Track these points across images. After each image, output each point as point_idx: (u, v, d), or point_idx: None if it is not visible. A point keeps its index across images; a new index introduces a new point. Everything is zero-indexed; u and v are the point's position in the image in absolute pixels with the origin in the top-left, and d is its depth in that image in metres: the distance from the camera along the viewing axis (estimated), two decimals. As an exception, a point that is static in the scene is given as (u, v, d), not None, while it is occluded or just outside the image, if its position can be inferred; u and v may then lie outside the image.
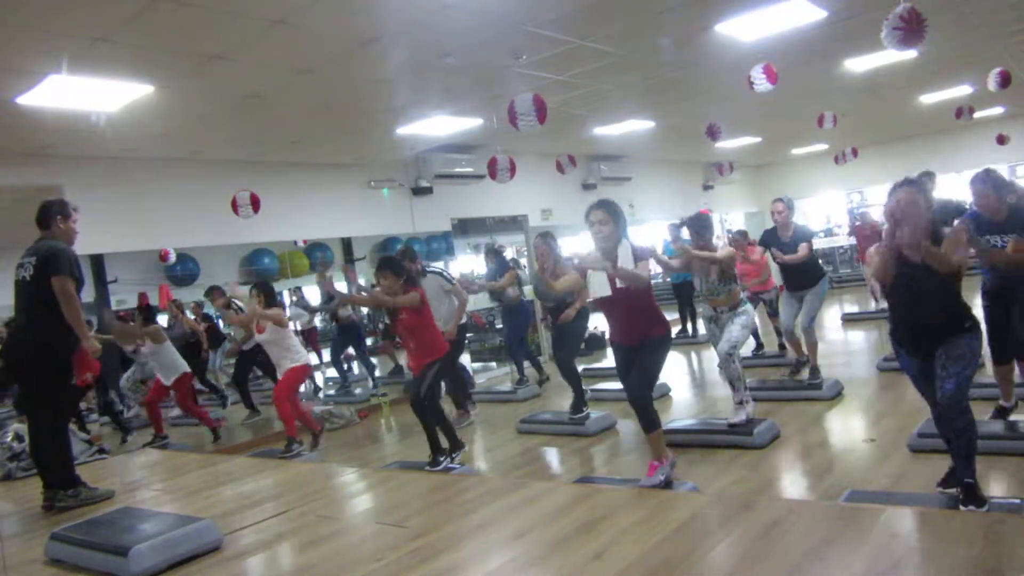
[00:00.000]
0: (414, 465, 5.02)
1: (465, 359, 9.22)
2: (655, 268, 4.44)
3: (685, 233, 6.26)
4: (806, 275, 5.87)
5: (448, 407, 6.43)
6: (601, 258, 3.66)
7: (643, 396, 3.85)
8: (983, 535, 2.36)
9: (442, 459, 4.90)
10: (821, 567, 2.30)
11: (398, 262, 5.12)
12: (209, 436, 6.88)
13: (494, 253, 7.69)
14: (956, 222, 3.10)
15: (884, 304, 3.63)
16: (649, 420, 3.82)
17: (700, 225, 5.10)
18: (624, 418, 5.63)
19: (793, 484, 4.08)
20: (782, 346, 7.55)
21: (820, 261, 6.05)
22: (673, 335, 4.40)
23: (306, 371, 6.16)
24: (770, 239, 6.06)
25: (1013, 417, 4.18)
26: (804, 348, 6.09)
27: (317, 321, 10.27)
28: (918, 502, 3.21)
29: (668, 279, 10.43)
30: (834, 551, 2.38)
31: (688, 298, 9.61)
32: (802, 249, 5.76)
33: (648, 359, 3.87)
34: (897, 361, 3.32)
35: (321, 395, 9.36)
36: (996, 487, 3.59)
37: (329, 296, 9.01)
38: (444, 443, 4.98)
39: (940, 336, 3.11)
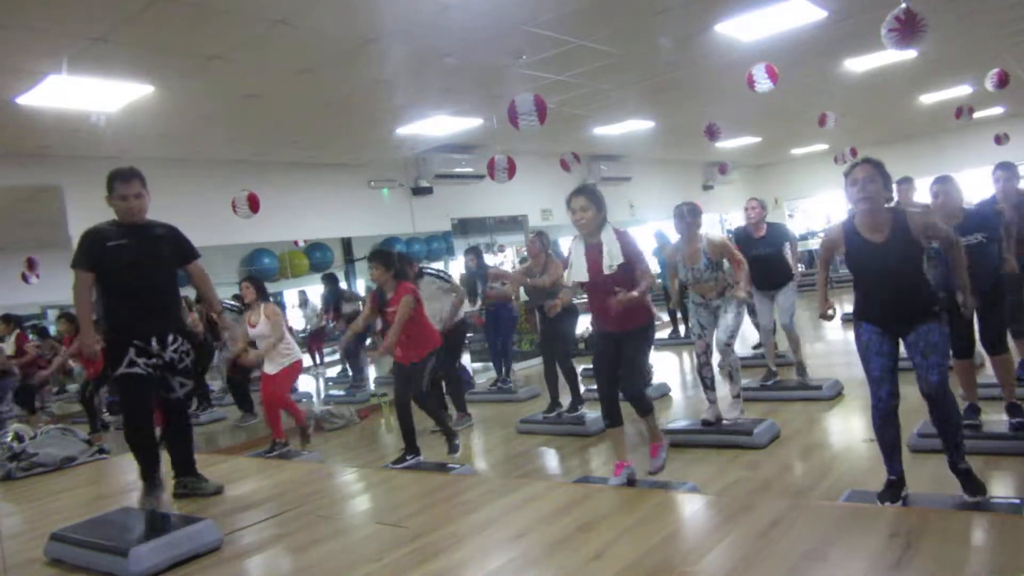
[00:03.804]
0: (414, 465, 5.02)
1: (465, 359, 9.22)
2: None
3: (671, 237, 6.32)
4: (776, 274, 5.93)
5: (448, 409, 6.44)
6: (621, 301, 3.55)
7: (638, 391, 3.84)
8: (983, 535, 2.36)
9: (409, 457, 4.97)
10: (821, 567, 2.30)
11: (389, 254, 5.14)
12: (202, 438, 6.91)
13: (475, 254, 7.64)
14: (917, 211, 3.17)
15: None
16: (644, 406, 3.85)
17: (692, 210, 5.04)
18: (624, 418, 5.62)
19: (793, 484, 4.07)
20: (758, 345, 7.62)
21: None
22: (664, 336, 4.42)
23: (299, 368, 6.14)
24: (742, 238, 6.07)
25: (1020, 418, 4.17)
26: (789, 349, 6.14)
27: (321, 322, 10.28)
28: (918, 502, 3.22)
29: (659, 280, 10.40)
30: (834, 551, 2.38)
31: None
32: (789, 252, 5.89)
33: (634, 352, 3.80)
34: (856, 336, 3.24)
35: (321, 395, 9.38)
36: (996, 487, 3.59)
37: (336, 302, 9.03)
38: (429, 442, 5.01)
39: (910, 316, 3.10)
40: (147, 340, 3.65)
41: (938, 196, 3.96)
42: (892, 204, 3.19)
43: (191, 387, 3.94)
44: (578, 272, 3.78)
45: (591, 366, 7.49)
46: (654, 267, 6.21)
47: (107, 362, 3.83)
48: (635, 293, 3.60)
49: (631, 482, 3.81)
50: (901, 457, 3.23)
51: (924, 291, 3.12)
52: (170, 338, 3.72)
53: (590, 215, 3.72)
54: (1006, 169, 4.66)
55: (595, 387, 6.81)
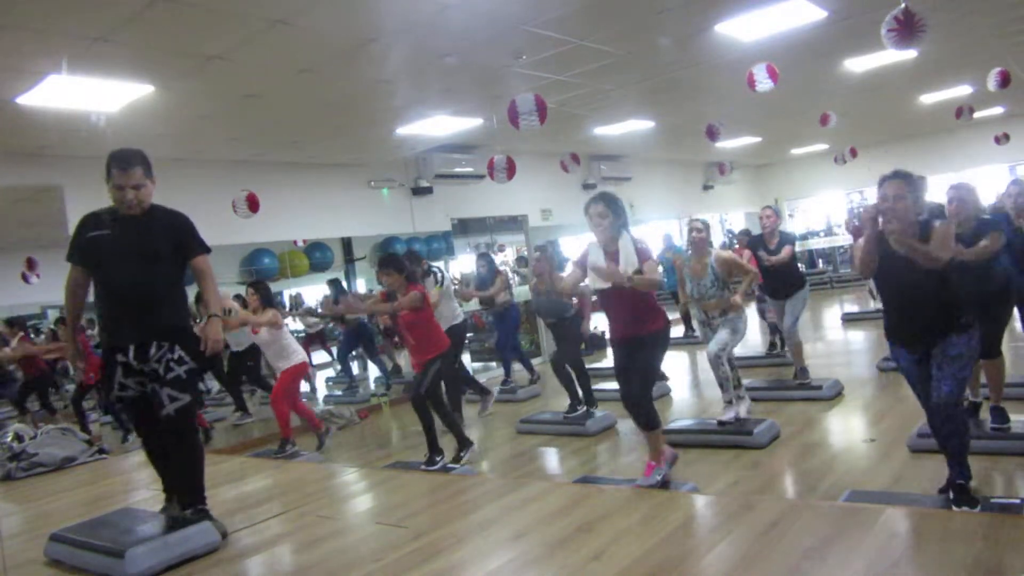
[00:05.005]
0: (414, 465, 5.02)
1: (465, 359, 9.23)
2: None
3: (676, 239, 6.37)
4: (788, 282, 5.96)
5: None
6: (620, 273, 3.59)
7: (643, 396, 3.81)
8: (982, 535, 2.36)
9: (438, 459, 4.92)
10: (821, 567, 2.30)
11: (399, 259, 5.15)
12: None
13: (485, 258, 7.70)
14: (938, 223, 3.13)
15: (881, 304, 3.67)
16: (647, 419, 3.79)
17: (704, 226, 5.12)
18: (624, 418, 5.62)
19: (793, 484, 4.08)
20: (772, 345, 7.64)
21: (820, 261, 6.12)
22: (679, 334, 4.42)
23: (303, 370, 6.14)
24: (757, 245, 6.13)
25: (1014, 417, 4.18)
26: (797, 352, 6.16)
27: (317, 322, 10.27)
28: (918, 502, 3.22)
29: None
30: (834, 551, 2.38)
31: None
32: (785, 251, 5.87)
33: (647, 358, 3.83)
34: (893, 360, 3.33)
35: (321, 396, 9.37)
36: (996, 487, 3.59)
37: (335, 300, 9.02)
38: (446, 442, 4.99)
39: (936, 330, 3.09)
40: (125, 351, 3.15)
41: (952, 202, 3.96)
42: (921, 216, 3.18)
43: (185, 403, 3.18)
44: (598, 280, 3.79)
45: (591, 366, 7.54)
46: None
47: (102, 380, 3.40)
48: (638, 275, 3.59)
49: (665, 484, 3.77)
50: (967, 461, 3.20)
51: (948, 304, 3.09)
52: (152, 348, 3.14)
53: (608, 222, 3.78)
54: (1019, 185, 4.67)
55: (597, 388, 6.88)
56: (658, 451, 3.86)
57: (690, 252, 5.14)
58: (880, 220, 3.07)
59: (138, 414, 3.31)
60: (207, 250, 3.33)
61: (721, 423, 4.90)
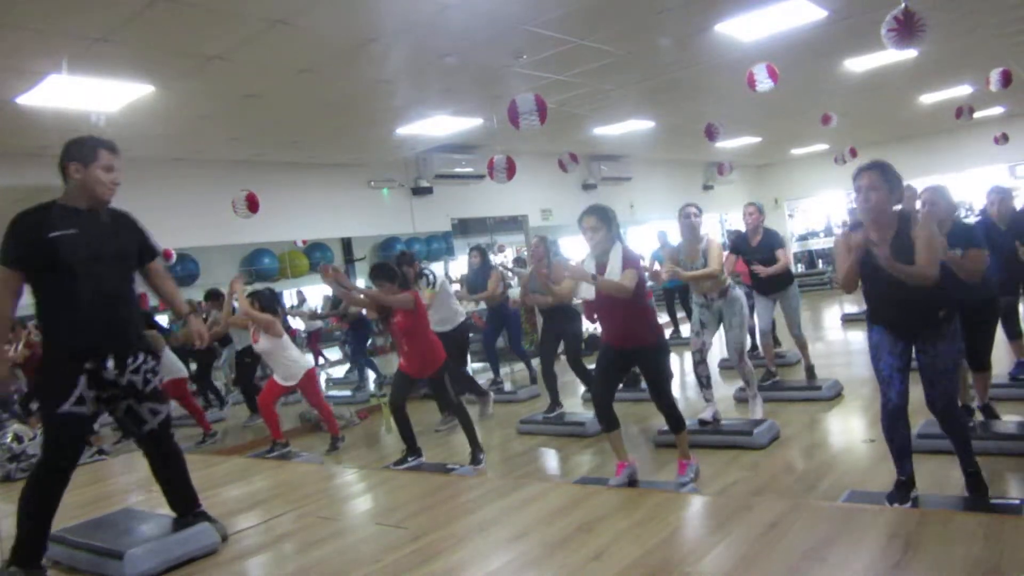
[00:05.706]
0: (413, 465, 5.02)
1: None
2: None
3: (671, 238, 6.37)
4: (775, 278, 5.93)
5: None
6: (584, 271, 3.75)
7: (669, 403, 4.00)
8: (983, 535, 2.36)
9: (482, 455, 5.05)
10: (821, 567, 2.29)
11: (390, 267, 5.11)
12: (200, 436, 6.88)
13: (480, 252, 7.63)
14: (922, 233, 3.06)
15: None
16: (676, 421, 4.02)
17: (698, 211, 5.14)
18: (623, 418, 5.62)
19: (793, 484, 4.07)
20: (754, 347, 7.60)
21: (820, 261, 6.11)
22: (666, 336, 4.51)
23: (314, 374, 6.29)
24: (740, 244, 6.10)
25: (1017, 418, 4.19)
26: (798, 353, 6.18)
27: (319, 323, 10.27)
28: (919, 502, 3.21)
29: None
30: (834, 551, 2.38)
31: (683, 301, 9.59)
32: (781, 257, 5.86)
33: (654, 371, 3.97)
34: (869, 337, 3.26)
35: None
36: (996, 487, 3.58)
37: (336, 301, 9.01)
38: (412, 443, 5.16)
39: (919, 321, 3.10)
40: (102, 362, 2.84)
41: (924, 205, 3.96)
42: (898, 207, 3.17)
43: (166, 415, 3.08)
44: (587, 290, 3.90)
45: (590, 367, 7.52)
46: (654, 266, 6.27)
47: (44, 389, 2.95)
48: (603, 277, 3.71)
49: (632, 482, 3.84)
50: (911, 458, 3.23)
51: (930, 295, 3.07)
52: (130, 358, 2.91)
53: (600, 235, 3.86)
54: (1000, 192, 4.75)
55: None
56: (687, 450, 4.09)
57: (683, 239, 5.12)
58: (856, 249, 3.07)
59: (79, 441, 2.91)
60: (161, 251, 3.31)
61: (753, 420, 4.96)
